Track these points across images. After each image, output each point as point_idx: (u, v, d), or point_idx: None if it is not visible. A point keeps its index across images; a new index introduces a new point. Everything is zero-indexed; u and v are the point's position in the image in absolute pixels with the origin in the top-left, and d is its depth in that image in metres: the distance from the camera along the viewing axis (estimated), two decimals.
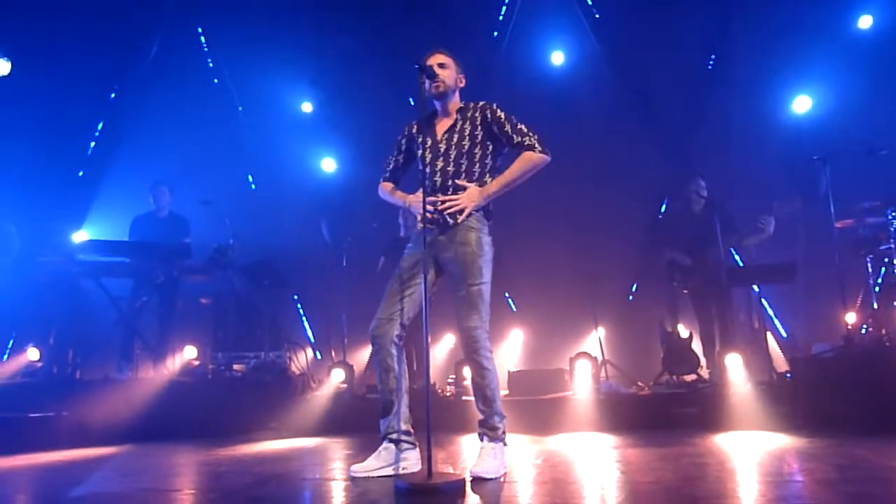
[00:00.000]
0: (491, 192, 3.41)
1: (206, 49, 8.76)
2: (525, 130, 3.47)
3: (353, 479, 3.26)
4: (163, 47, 8.39)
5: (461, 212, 3.36)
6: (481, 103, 3.54)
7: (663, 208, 8.12)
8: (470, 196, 3.37)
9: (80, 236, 7.51)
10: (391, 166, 3.71)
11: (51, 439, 4.87)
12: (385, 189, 3.70)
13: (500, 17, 8.53)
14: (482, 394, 3.35)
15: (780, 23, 7.41)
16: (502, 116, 3.48)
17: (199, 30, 8.68)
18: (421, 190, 3.31)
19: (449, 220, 3.38)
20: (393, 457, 3.34)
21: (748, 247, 6.56)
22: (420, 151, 3.49)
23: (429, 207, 3.31)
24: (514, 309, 7.78)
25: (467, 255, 3.35)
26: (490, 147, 3.49)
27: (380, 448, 3.37)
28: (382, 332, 3.36)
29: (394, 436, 3.37)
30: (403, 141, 3.68)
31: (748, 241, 6.30)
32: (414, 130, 3.61)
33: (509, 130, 3.46)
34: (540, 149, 3.44)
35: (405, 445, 3.37)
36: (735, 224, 6.24)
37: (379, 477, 3.27)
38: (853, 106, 7.00)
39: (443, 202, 3.36)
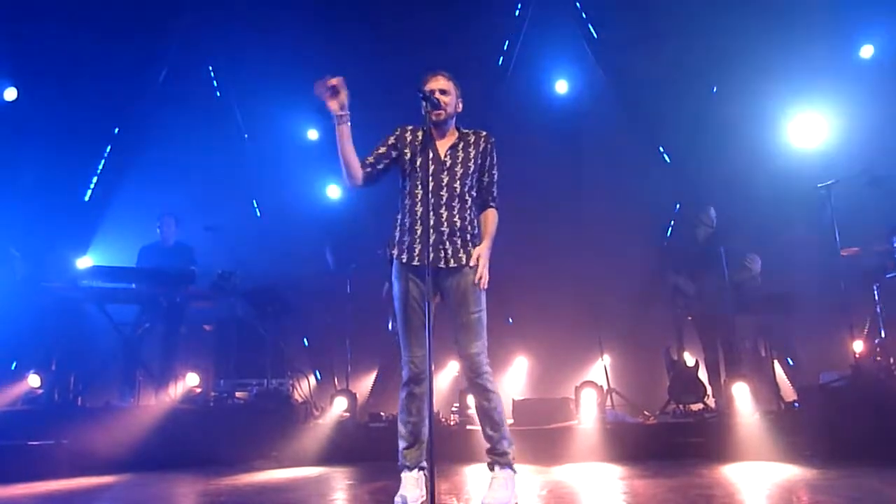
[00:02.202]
0: (490, 247, 3.47)
1: (213, 76, 8.84)
2: (498, 186, 3.57)
3: None
4: (170, 74, 8.46)
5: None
6: (484, 133, 3.55)
7: (668, 235, 8.11)
8: (487, 263, 3.40)
9: (84, 262, 7.51)
10: (373, 158, 3.50)
11: (51, 468, 4.81)
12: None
13: (505, 47, 8.60)
14: (489, 418, 3.31)
15: (784, 51, 7.46)
16: (495, 160, 3.55)
17: (206, 58, 8.76)
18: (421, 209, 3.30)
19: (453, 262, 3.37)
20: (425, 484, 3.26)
21: (740, 281, 6.51)
22: (419, 160, 3.42)
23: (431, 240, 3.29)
24: (511, 321, 7.73)
25: (468, 283, 3.35)
26: (478, 176, 3.52)
27: (415, 475, 3.30)
28: (424, 367, 3.27)
29: (426, 463, 3.30)
30: (392, 139, 3.54)
31: (736, 277, 6.29)
32: (408, 136, 3.53)
33: (495, 176, 3.55)
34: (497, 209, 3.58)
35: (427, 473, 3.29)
36: (732, 256, 6.21)
37: None
38: (858, 134, 7.01)
39: (478, 280, 3.35)
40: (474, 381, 3.31)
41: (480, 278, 3.35)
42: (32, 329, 6.48)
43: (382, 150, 3.52)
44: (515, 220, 3.52)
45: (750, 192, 7.27)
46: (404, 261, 3.37)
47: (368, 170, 3.48)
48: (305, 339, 8.41)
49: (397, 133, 3.56)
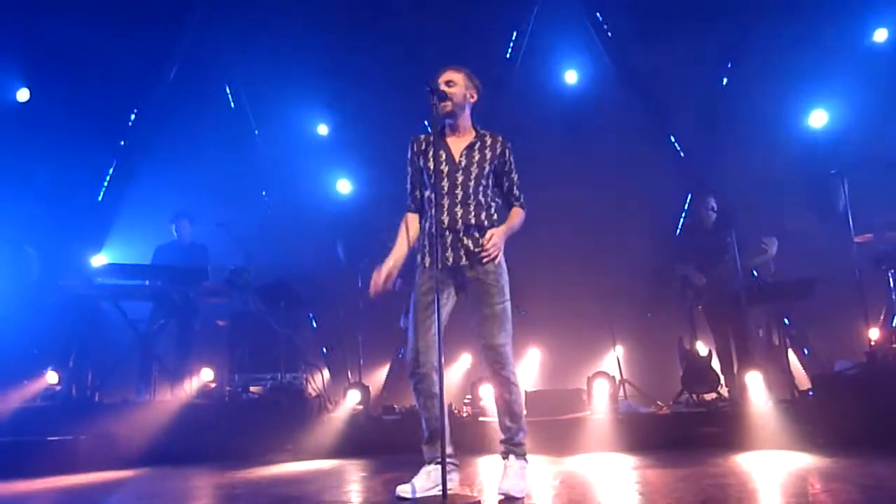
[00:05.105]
0: (507, 233, 3.47)
1: (222, 73, 8.86)
2: (520, 187, 3.59)
3: (399, 499, 3.19)
4: (181, 72, 8.50)
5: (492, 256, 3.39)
6: (500, 138, 3.55)
7: (680, 224, 8.07)
8: (501, 243, 3.41)
9: (99, 260, 7.59)
10: (413, 191, 3.58)
11: (69, 462, 4.89)
12: (409, 222, 3.58)
13: (514, 37, 8.56)
14: (510, 410, 3.34)
15: (795, 37, 7.38)
16: (513, 163, 3.55)
17: (216, 55, 8.78)
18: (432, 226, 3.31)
19: (466, 260, 3.38)
20: (440, 478, 3.25)
21: (755, 266, 6.46)
22: (433, 164, 3.42)
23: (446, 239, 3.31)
24: (524, 311, 7.72)
25: (491, 273, 3.37)
26: (493, 178, 3.53)
27: (428, 469, 3.32)
28: (424, 361, 3.30)
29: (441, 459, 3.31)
30: (417, 159, 3.55)
31: (752, 261, 6.24)
32: (423, 145, 3.53)
33: (515, 179, 3.57)
34: (525, 210, 3.59)
35: (450, 467, 3.31)
36: (745, 242, 6.18)
37: (402, 498, 3.21)
38: (871, 120, 6.94)
39: (482, 251, 3.34)
40: (499, 372, 3.32)
41: (488, 243, 3.34)
42: (49, 327, 6.56)
43: (416, 181, 3.56)
44: (526, 211, 3.52)
45: (762, 179, 7.21)
46: (427, 265, 3.39)
47: (419, 208, 3.58)
48: (317, 333, 8.45)
49: (414, 149, 3.57)
